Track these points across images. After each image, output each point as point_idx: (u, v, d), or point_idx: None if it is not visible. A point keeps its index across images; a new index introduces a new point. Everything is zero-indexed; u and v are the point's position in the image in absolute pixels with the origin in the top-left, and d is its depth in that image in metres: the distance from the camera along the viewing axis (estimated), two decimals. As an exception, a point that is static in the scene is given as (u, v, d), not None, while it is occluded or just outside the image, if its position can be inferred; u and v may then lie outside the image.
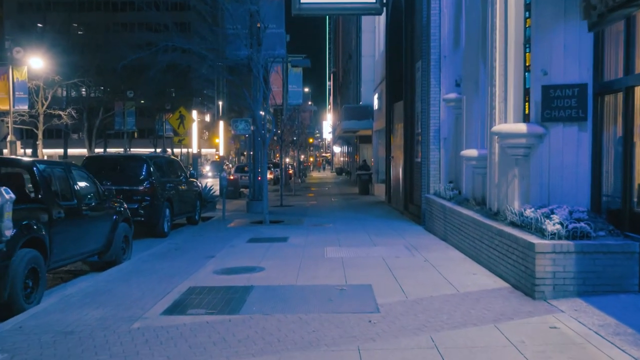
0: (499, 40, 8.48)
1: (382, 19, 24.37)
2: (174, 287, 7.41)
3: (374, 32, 27.83)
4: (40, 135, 39.01)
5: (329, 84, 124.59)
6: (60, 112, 38.86)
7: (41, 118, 38.41)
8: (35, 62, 33.27)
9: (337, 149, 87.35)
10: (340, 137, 50.76)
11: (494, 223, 7.93)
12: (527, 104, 8.16)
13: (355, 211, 18.10)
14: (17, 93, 32.52)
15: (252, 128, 17.37)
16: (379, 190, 25.58)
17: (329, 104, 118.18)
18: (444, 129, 12.83)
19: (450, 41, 12.55)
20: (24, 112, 34.25)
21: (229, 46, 16.33)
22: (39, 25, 54.39)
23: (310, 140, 59.39)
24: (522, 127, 7.68)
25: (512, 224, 7.52)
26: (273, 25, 18.14)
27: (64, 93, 47.95)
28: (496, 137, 8.34)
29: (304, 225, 14.28)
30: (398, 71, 18.27)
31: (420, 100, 13.88)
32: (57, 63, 36.67)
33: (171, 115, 20.59)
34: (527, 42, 8.14)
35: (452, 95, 11.79)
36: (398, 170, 17.66)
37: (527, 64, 8.15)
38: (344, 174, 62.81)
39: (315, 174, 72.51)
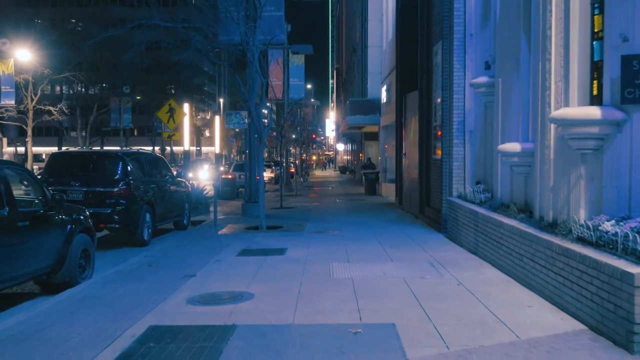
0: (556, 1, 6.57)
1: (390, 5, 22.45)
2: (130, 325, 5.53)
3: (381, 20, 25.91)
4: (29, 132, 37.15)
5: (332, 81, 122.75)
6: (51, 108, 36.97)
7: (30, 114, 36.53)
8: (23, 55, 31.43)
9: (340, 147, 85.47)
10: (345, 134, 48.87)
11: (554, 238, 6.03)
12: (595, 82, 6.24)
13: (362, 215, 16.19)
14: (3, 87, 30.67)
15: (246, 121, 15.48)
16: (387, 190, 23.69)
17: (332, 101, 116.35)
18: (469, 120, 10.93)
19: (478, 16, 10.64)
20: (11, 107, 32.38)
21: (222, 30, 14.46)
22: (38, 20, 52.84)
23: (313, 135, 57.45)
24: (594, 112, 5.77)
25: (581, 241, 5.61)
26: (271, 8, 16.27)
27: (57, 89, 46.24)
28: (554, 125, 6.44)
29: (305, 233, 12.39)
30: (411, 58, 16.35)
31: (441, 87, 11.98)
32: (46, 55, 34.77)
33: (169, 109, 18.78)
34: (595, 0, 6.23)
35: (482, 80, 9.88)
36: (411, 169, 15.75)
37: (596, 30, 6.24)
38: (347, 172, 60.90)
39: (318, 173, 70.62)
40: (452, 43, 11.14)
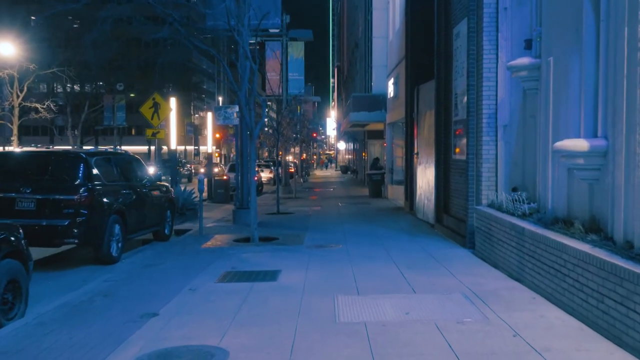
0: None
1: (398, -10, 20.50)
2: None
3: (387, 9, 23.97)
4: (15, 131, 35.28)
5: (333, 80, 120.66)
6: (38, 105, 35.08)
7: (16, 112, 34.67)
8: (5, 48, 29.54)
9: (341, 146, 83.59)
10: (346, 133, 47.01)
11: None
12: None
13: (369, 222, 14.25)
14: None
15: (236, 116, 13.54)
16: (394, 193, 21.76)
17: (333, 100, 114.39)
18: (503, 112, 8.99)
19: (515, -15, 8.71)
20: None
21: (210, 17, 12.56)
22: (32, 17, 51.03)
23: (314, 134, 55.52)
24: None
25: None
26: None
27: (48, 86, 44.31)
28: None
29: (303, 247, 10.46)
30: (424, 44, 14.44)
31: (465, 74, 10.05)
32: (30, 49, 32.83)
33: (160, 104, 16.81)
34: None
35: (524, 61, 7.94)
36: (425, 171, 13.82)
37: None
38: (349, 172, 58.99)
39: (318, 173, 68.68)
40: (481, 20, 9.20)
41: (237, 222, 14.58)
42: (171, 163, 17.30)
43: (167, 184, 13.58)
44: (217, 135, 50.37)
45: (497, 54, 9.04)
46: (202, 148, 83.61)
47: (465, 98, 10.15)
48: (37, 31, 36.75)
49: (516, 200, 7.86)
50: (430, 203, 13.03)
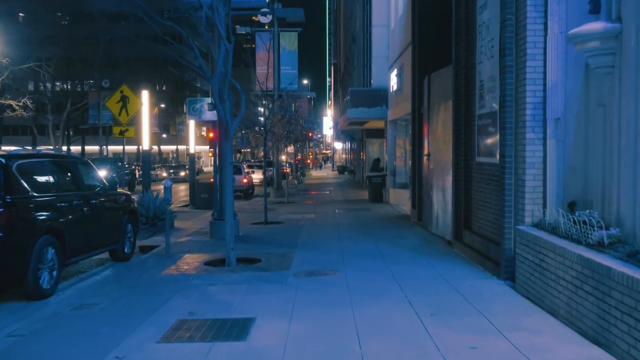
0: None
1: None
2: None
3: (388, -5, 21.74)
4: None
5: (329, 79, 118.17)
6: (12, 102, 32.67)
7: (-11, 109, 32.31)
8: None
9: (338, 146, 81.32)
10: (344, 132, 44.74)
11: None
12: None
13: (372, 236, 11.98)
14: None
15: (206, 108, 11.24)
16: (397, 197, 19.53)
17: (330, 99, 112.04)
18: (555, 100, 6.73)
19: None
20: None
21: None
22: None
23: (310, 134, 53.18)
24: None
25: None
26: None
27: (27, 84, 41.93)
28: None
29: (289, 276, 8.18)
30: (437, 24, 12.24)
31: (498, 54, 7.80)
32: (3, 42, 30.45)
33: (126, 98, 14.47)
34: None
35: (595, 27, 5.66)
36: (439, 176, 11.57)
37: None
38: (346, 172, 56.73)
39: (314, 173, 66.37)
40: (523, -21, 6.94)
41: (214, 235, 12.32)
42: (144, 165, 15.00)
43: (127, 192, 11.30)
44: (211, 135, 47.88)
45: (545, 23, 6.78)
46: (198, 148, 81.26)
47: (497, 85, 7.91)
48: (10, 24, 34.35)
49: (583, 222, 5.60)
50: (446, 215, 10.77)
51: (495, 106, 8.10)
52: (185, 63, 9.33)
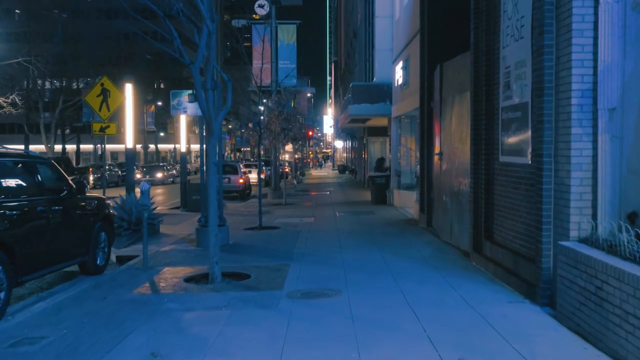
0: None
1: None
2: None
3: (392, -16, 20.42)
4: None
5: (330, 78, 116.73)
6: (0, 99, 31.36)
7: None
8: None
9: (339, 145, 80.00)
10: (344, 130, 43.49)
11: None
12: None
13: (377, 245, 10.67)
14: None
15: (186, 100, 9.93)
16: (402, 199, 18.24)
17: (330, 98, 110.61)
18: (609, 87, 5.43)
19: None
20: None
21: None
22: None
23: (310, 133, 51.84)
24: None
25: None
26: None
27: (17, 81, 40.58)
28: None
29: (283, 296, 6.89)
30: (451, 6, 10.96)
31: (530, 32, 6.49)
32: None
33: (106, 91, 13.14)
34: None
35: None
36: (453, 177, 10.26)
37: None
38: (347, 172, 55.44)
39: (314, 173, 65.07)
40: (567, -63, 5.64)
41: (201, 244, 11.04)
42: (128, 165, 13.69)
43: (100, 196, 10.00)
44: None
45: (597, -10, 5.49)
46: (194, 147, 79.96)
47: (528, 71, 6.62)
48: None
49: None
50: (462, 223, 9.47)
51: (526, 96, 6.81)
52: (159, 46, 8.01)
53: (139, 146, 61.63)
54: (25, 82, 37.77)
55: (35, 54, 34.47)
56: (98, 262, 9.16)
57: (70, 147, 56.37)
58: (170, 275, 8.41)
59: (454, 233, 10.09)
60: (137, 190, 10.61)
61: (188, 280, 8.12)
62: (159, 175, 39.05)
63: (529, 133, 6.74)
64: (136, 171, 36.51)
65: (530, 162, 6.74)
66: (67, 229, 8.28)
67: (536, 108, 6.35)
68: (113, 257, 10.56)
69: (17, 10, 48.96)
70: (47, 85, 42.04)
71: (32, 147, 46.84)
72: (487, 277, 7.72)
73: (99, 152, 49.21)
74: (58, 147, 47.57)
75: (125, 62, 47.32)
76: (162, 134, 70.92)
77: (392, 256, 9.42)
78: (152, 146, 65.32)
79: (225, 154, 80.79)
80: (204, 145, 10.97)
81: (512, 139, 7.41)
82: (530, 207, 6.65)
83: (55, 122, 41.27)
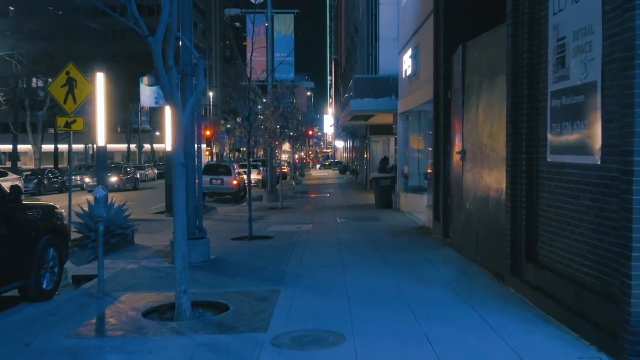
0: None
1: None
2: None
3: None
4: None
5: (330, 78, 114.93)
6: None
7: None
8: None
9: (339, 144, 78.29)
10: (345, 129, 41.70)
11: None
12: None
13: (388, 264, 8.85)
14: None
15: (145, 81, 7.19)
16: (410, 204, 16.47)
17: (331, 97, 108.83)
18: None
19: None
20: None
21: None
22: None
23: (310, 132, 50.06)
24: None
25: None
26: None
27: None
28: None
29: (265, 346, 5.08)
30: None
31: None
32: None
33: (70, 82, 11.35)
34: None
35: None
36: (482, 180, 8.44)
37: None
38: (348, 172, 53.65)
39: (314, 173, 63.30)
40: None
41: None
42: (98, 166, 11.94)
43: (50, 204, 8.18)
44: (208, 133, 44.21)
45: None
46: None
47: (595, 41, 4.85)
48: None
49: None
50: (494, 238, 7.65)
51: (593, 74, 5.04)
52: (109, 12, 6.20)
53: (133, 146, 59.82)
54: (11, 80, 35.99)
55: (20, 51, 32.69)
56: (44, 285, 7.36)
57: (63, 147, 54.56)
58: (128, 306, 6.62)
59: (481, 249, 8.28)
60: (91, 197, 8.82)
61: (148, 313, 6.34)
62: (113, 179, 29.85)
63: (599, 125, 4.97)
64: (75, 175, 29.44)
65: (599, 163, 4.97)
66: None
67: (616, 88, 4.57)
68: (70, 277, 8.80)
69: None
70: (33, 83, 40.19)
71: (20, 147, 45.08)
72: (537, 313, 5.91)
73: (90, 152, 47.37)
74: (49, 147, 45.69)
75: (110, 57, 45.29)
76: (157, 134, 69.07)
77: (407, 280, 7.61)
78: (147, 146, 63.51)
79: (225, 154, 78.93)
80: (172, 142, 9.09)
81: (568, 133, 5.62)
82: (600, 224, 4.88)
83: (43, 121, 39.46)
